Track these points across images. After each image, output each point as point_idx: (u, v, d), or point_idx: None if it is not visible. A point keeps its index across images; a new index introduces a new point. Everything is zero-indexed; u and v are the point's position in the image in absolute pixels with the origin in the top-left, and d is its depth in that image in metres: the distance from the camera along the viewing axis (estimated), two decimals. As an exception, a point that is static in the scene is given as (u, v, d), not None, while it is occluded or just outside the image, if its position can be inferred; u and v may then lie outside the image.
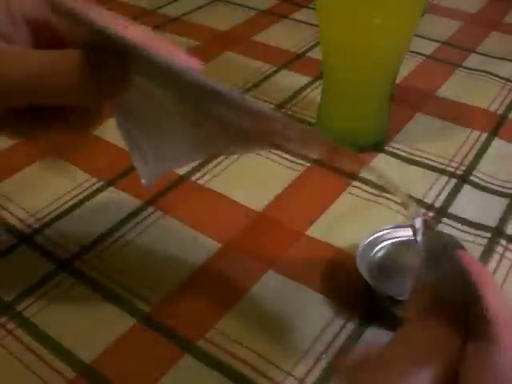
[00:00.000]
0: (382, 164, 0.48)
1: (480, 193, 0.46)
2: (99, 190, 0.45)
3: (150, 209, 0.43)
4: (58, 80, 0.25)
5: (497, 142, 0.51)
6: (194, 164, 0.48)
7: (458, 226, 0.42)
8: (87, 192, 0.45)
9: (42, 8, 0.28)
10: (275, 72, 0.62)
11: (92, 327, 0.35)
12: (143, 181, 0.31)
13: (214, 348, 0.34)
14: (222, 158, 0.48)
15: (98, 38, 0.24)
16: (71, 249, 0.40)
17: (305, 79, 0.60)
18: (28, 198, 0.44)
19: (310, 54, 0.65)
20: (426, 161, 0.49)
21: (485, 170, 0.48)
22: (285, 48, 0.66)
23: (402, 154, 0.50)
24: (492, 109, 0.56)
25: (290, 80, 0.60)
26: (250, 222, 0.43)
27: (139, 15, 0.74)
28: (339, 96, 0.49)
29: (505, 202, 0.45)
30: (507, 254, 0.40)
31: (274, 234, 0.42)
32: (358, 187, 0.46)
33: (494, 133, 0.52)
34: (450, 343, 0.22)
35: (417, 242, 0.26)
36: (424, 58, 0.64)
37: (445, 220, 0.43)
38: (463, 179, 0.47)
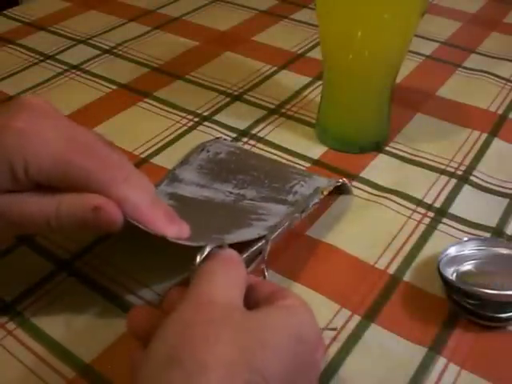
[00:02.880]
0: (382, 164, 0.48)
1: (480, 193, 0.45)
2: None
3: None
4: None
5: (497, 142, 0.51)
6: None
7: (458, 226, 0.42)
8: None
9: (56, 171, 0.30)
10: (275, 72, 0.62)
11: (92, 327, 0.35)
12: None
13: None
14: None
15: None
16: (71, 249, 0.40)
17: (305, 79, 0.60)
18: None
19: (310, 54, 0.65)
20: (426, 161, 0.49)
21: (485, 170, 0.48)
22: (285, 48, 0.66)
23: (402, 154, 0.50)
24: (492, 109, 0.56)
25: (290, 80, 0.60)
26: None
27: (139, 15, 0.74)
28: (339, 96, 0.49)
29: (505, 202, 0.45)
30: (507, 254, 0.40)
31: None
32: (358, 187, 0.46)
33: (493, 133, 0.52)
34: None
35: None
36: (424, 58, 0.64)
37: (445, 220, 0.43)
38: (463, 179, 0.47)
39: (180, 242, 0.33)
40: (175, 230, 0.33)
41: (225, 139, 0.50)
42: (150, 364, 0.24)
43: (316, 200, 0.40)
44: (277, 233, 0.36)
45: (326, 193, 0.41)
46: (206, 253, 0.29)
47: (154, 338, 0.25)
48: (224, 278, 0.28)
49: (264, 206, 0.40)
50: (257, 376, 0.24)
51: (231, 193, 0.42)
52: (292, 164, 0.48)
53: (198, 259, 0.29)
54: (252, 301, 0.29)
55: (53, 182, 0.30)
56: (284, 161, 0.48)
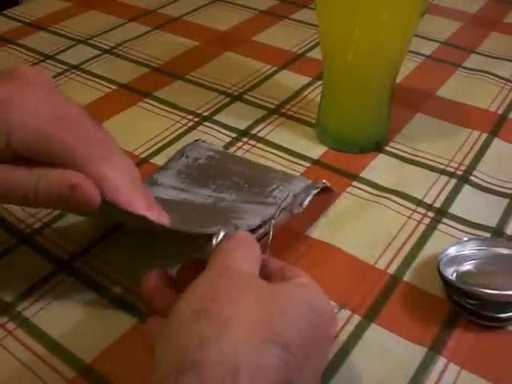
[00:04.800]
0: (382, 164, 0.48)
1: (480, 193, 0.46)
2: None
3: (150, 209, 0.43)
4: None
5: (497, 142, 0.51)
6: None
7: (458, 226, 0.42)
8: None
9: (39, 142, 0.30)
10: (275, 72, 0.62)
11: (92, 327, 0.35)
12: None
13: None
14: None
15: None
16: (71, 249, 0.40)
17: (305, 79, 0.60)
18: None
19: (309, 54, 0.65)
20: (426, 161, 0.49)
21: (485, 170, 0.48)
22: (285, 48, 0.66)
23: (402, 154, 0.50)
24: (492, 109, 0.56)
25: (290, 80, 0.60)
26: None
27: (139, 15, 0.74)
28: (339, 96, 0.49)
29: (505, 202, 0.45)
30: (507, 254, 0.40)
31: (274, 234, 0.42)
32: (358, 187, 0.46)
33: (493, 133, 0.52)
34: None
35: None
36: (424, 58, 0.64)
37: (445, 220, 0.43)
38: (463, 179, 0.47)
39: (175, 227, 0.33)
40: (154, 214, 0.32)
41: (203, 141, 0.49)
42: (178, 318, 0.26)
43: (298, 211, 0.39)
44: (278, 218, 0.37)
45: (306, 203, 0.40)
46: (221, 236, 0.30)
47: (178, 299, 0.27)
48: (242, 254, 0.29)
49: (243, 206, 0.40)
50: (277, 337, 0.25)
51: (210, 196, 0.42)
52: (273, 167, 0.47)
53: (214, 242, 0.30)
54: (262, 276, 0.29)
55: (34, 154, 0.30)
56: (284, 161, 0.48)
